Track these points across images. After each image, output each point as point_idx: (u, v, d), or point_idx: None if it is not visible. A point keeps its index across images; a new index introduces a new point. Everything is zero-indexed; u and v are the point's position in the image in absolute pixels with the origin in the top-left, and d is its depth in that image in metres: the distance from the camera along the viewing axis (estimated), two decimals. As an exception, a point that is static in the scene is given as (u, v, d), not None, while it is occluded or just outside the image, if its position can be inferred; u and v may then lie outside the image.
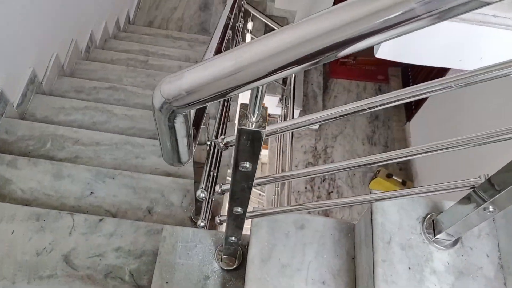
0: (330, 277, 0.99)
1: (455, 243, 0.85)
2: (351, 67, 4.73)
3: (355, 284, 0.98)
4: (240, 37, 2.41)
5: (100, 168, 1.81)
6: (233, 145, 0.65)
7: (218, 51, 1.20)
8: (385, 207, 0.88)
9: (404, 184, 4.08)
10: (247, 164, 0.63)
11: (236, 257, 1.24)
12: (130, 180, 1.80)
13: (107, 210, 1.70)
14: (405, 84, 4.66)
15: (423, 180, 3.91)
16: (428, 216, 0.87)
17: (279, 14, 4.23)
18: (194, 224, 1.76)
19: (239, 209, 0.81)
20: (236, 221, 0.88)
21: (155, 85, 0.51)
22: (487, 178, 0.69)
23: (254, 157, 0.60)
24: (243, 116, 0.54)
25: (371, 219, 0.87)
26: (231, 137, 0.64)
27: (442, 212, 0.87)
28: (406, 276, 0.81)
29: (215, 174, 1.41)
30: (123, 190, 1.77)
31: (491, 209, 0.69)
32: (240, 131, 0.54)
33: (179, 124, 0.53)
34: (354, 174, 4.36)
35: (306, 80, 4.55)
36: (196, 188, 1.40)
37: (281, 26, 0.44)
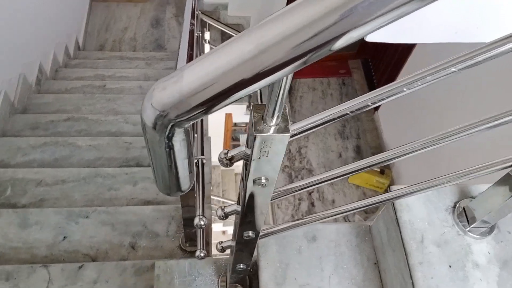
0: (356, 290, 0.88)
1: (491, 229, 0.77)
2: (312, 65, 4.69)
3: (383, 291, 0.88)
4: (199, 48, 2.30)
5: (71, 208, 1.63)
6: (241, 159, 0.53)
7: (190, 58, 1.08)
8: (409, 202, 0.79)
9: (382, 173, 4.06)
10: (264, 180, 0.51)
11: (242, 284, 1.11)
12: (107, 216, 1.63)
13: (85, 254, 1.52)
14: (367, 75, 4.70)
15: (400, 167, 3.91)
16: (458, 204, 0.79)
17: (233, 22, 4.16)
18: (185, 252, 1.61)
19: (250, 233, 0.68)
20: (247, 247, 0.76)
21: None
22: (529, 152, 0.61)
23: (274, 169, 0.48)
24: (259, 120, 0.42)
25: (397, 218, 0.77)
26: (238, 149, 0.52)
27: (472, 197, 0.79)
28: (448, 276, 0.72)
29: (203, 195, 1.28)
30: (100, 228, 1.59)
31: (538, 187, 0.61)
32: (257, 138, 0.43)
33: (179, 143, 0.41)
34: (332, 171, 4.31)
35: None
36: (187, 213, 1.27)
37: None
